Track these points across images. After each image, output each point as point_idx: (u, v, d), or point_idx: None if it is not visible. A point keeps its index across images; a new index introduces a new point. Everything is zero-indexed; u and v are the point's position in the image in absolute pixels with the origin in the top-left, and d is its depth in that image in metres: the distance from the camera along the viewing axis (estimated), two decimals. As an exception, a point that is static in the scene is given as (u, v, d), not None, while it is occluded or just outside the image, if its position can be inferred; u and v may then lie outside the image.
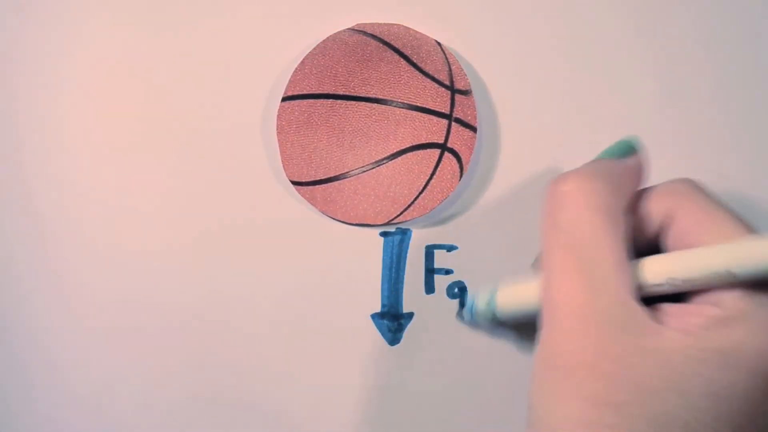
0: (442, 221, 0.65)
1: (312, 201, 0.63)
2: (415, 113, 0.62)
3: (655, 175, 0.68)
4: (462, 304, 0.63)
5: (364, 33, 0.63)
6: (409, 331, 0.65)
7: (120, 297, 0.65)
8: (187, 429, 0.65)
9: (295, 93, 0.63)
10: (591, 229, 0.37)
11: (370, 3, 0.64)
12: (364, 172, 0.62)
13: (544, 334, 0.38)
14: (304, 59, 0.63)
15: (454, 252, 0.64)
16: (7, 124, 0.65)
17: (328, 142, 0.62)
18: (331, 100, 0.62)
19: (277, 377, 0.65)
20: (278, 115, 0.63)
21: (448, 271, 0.64)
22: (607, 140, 0.67)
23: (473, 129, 0.62)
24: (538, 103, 0.65)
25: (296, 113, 0.63)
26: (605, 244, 0.37)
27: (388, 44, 0.62)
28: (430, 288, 0.64)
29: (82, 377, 0.65)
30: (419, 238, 0.64)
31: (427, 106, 0.62)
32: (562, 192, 0.39)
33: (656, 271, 0.38)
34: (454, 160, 0.62)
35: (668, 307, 0.37)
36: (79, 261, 0.65)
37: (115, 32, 0.65)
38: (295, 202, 0.64)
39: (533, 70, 0.65)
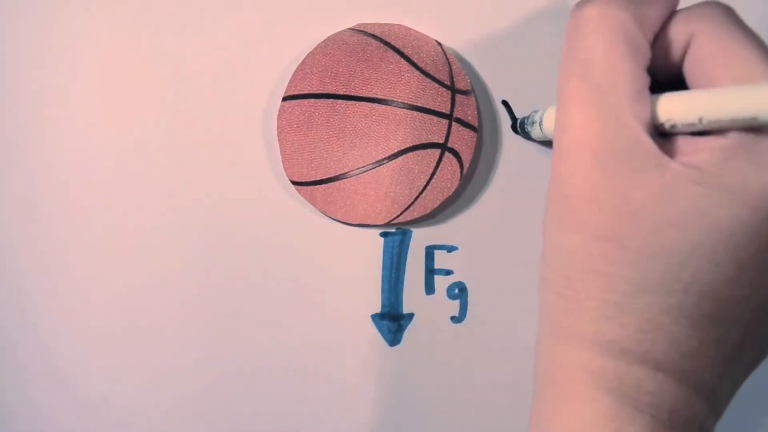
0: (443, 221, 0.64)
1: (312, 201, 0.62)
2: (415, 113, 0.62)
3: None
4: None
5: (365, 33, 0.63)
6: (409, 331, 0.64)
7: (120, 297, 0.65)
8: (187, 429, 0.65)
9: (296, 93, 0.63)
10: (609, 59, 0.34)
11: (370, 3, 0.64)
12: (365, 172, 0.62)
13: (555, 163, 0.37)
14: (304, 59, 0.63)
15: (454, 252, 0.64)
16: (6, 125, 0.65)
17: (329, 142, 0.62)
18: (331, 99, 0.62)
19: (277, 377, 0.65)
20: (279, 115, 0.63)
21: (448, 272, 0.64)
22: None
23: (474, 129, 0.62)
24: (538, 103, 0.65)
25: (297, 113, 0.62)
26: (623, 74, 0.34)
27: (388, 44, 0.62)
28: (430, 288, 0.64)
29: (82, 378, 0.65)
30: (419, 239, 0.64)
31: (427, 106, 0.62)
32: (584, 17, 0.36)
33: (674, 109, 0.35)
34: (455, 160, 0.62)
35: (680, 141, 0.35)
36: (79, 261, 0.65)
37: (114, 32, 0.65)
38: (295, 202, 0.64)
39: (533, 70, 0.65)
